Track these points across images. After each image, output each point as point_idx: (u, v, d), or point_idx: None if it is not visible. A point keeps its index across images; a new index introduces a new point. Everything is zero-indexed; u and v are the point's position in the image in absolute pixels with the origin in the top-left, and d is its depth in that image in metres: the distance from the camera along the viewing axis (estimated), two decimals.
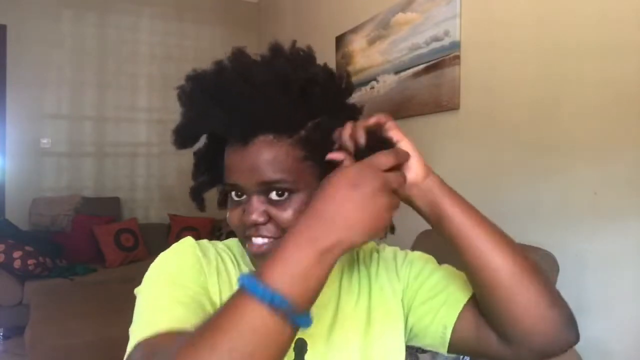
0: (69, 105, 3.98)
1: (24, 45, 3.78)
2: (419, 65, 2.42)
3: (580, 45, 1.65)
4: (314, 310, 0.44)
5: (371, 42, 2.83)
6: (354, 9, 3.03)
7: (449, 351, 0.64)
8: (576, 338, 0.56)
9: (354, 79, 2.99)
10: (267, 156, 0.56)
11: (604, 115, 1.58)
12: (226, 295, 0.61)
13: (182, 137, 0.60)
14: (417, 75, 2.44)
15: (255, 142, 0.56)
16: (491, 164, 2.02)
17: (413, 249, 0.73)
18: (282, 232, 0.57)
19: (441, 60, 2.27)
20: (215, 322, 0.40)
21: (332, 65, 3.18)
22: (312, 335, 0.63)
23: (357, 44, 2.97)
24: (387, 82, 2.67)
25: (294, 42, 0.63)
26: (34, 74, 3.83)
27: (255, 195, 0.57)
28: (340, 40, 3.15)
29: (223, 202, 0.64)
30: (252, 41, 4.64)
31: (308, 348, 0.63)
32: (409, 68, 2.50)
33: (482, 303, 0.60)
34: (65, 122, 3.98)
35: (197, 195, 0.66)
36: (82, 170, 4.04)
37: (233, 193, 0.60)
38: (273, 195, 0.57)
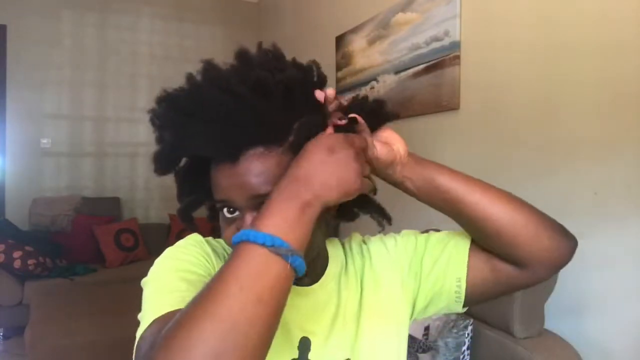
0: (69, 105, 3.98)
1: (24, 45, 3.78)
2: (419, 65, 2.42)
3: (581, 45, 1.65)
4: (316, 309, 0.46)
5: (371, 42, 2.83)
6: (354, 9, 3.03)
7: (464, 305, 0.68)
8: (575, 242, 0.64)
9: (354, 79, 3.00)
10: (258, 169, 0.53)
11: (604, 115, 1.58)
12: None
13: (164, 163, 0.57)
14: (417, 75, 2.44)
15: (245, 157, 0.53)
16: (491, 163, 2.02)
17: None
18: None
19: (441, 60, 2.26)
20: (224, 271, 0.44)
21: (332, 65, 3.19)
22: (315, 334, 0.63)
23: (357, 44, 2.97)
24: (387, 82, 2.67)
25: (260, 43, 0.61)
26: (34, 74, 3.83)
27: (249, 211, 0.55)
28: (340, 40, 3.15)
29: (213, 217, 0.62)
30: (252, 41, 4.61)
31: (312, 347, 0.63)
32: (409, 68, 2.50)
33: (488, 247, 0.65)
34: (65, 122, 3.98)
35: (186, 216, 0.65)
36: (82, 171, 4.04)
37: (225, 210, 0.57)
38: None
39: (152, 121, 0.56)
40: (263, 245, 0.44)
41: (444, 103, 2.25)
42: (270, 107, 0.53)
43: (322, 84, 0.60)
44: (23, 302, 3.04)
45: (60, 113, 3.95)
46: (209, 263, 0.61)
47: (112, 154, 4.13)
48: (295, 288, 0.58)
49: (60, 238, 3.55)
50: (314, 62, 0.61)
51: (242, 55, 0.59)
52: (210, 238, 0.68)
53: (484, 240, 0.65)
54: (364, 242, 0.74)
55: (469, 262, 0.66)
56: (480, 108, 2.08)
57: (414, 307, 0.70)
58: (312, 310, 0.64)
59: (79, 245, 3.56)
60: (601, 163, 1.58)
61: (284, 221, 0.46)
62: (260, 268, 0.43)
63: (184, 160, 0.60)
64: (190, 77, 0.57)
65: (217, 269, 0.59)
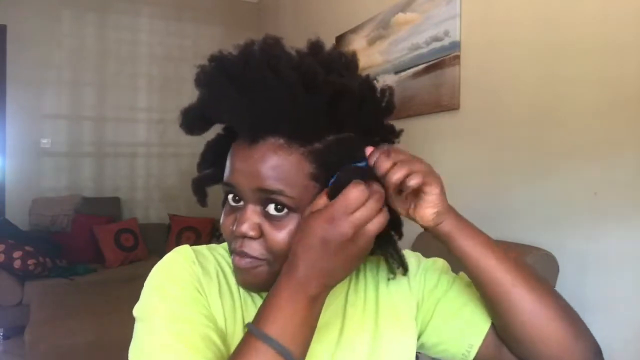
0: (68, 106, 3.98)
1: (24, 45, 3.78)
2: (419, 65, 2.42)
3: (581, 45, 1.65)
4: (318, 330, 0.49)
5: (371, 42, 2.83)
6: (354, 9, 3.03)
7: None
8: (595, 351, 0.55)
9: None
10: (274, 162, 0.50)
11: (604, 115, 1.58)
12: (230, 316, 0.58)
13: (190, 118, 0.55)
14: (417, 75, 2.44)
15: (264, 143, 0.51)
16: (491, 164, 2.02)
17: (413, 249, 0.72)
18: (270, 254, 0.53)
19: (441, 60, 2.26)
20: None
21: None
22: (317, 355, 0.58)
23: (357, 44, 2.97)
24: (387, 82, 2.67)
25: (335, 45, 0.60)
26: (34, 74, 3.83)
27: (252, 204, 0.52)
28: (340, 40, 3.15)
29: (224, 202, 0.59)
30: None
31: None
32: (409, 68, 2.50)
33: (503, 332, 0.58)
34: (65, 122, 3.98)
35: (198, 188, 0.60)
36: (82, 170, 4.04)
37: (230, 196, 0.55)
38: (271, 209, 0.52)
39: (197, 75, 0.53)
40: (271, 349, 0.45)
41: (444, 103, 2.25)
42: (309, 103, 0.49)
43: (389, 111, 0.57)
44: (23, 302, 3.04)
45: (60, 113, 3.95)
46: (200, 292, 0.56)
47: (112, 154, 4.13)
48: None
49: (60, 238, 3.55)
50: (390, 88, 0.57)
51: (313, 46, 0.56)
52: (202, 247, 0.63)
53: (501, 321, 0.57)
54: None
55: (485, 337, 0.60)
56: (480, 108, 2.08)
57: (420, 334, 0.66)
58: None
59: (79, 245, 3.56)
60: (601, 163, 1.58)
61: (294, 322, 0.47)
62: None
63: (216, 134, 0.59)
64: (247, 45, 0.53)
65: (207, 295, 0.56)
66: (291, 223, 0.52)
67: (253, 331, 0.46)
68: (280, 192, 0.51)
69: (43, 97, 3.89)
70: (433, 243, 0.58)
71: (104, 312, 2.51)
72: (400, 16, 2.57)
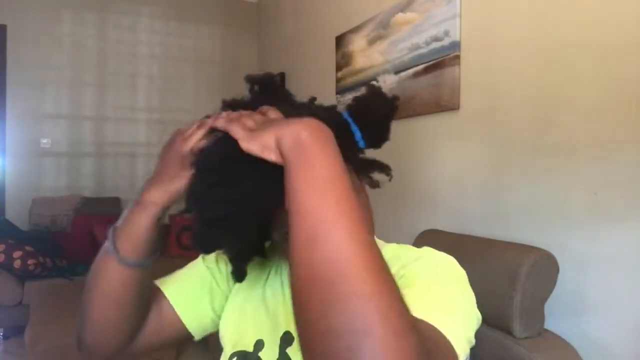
0: (68, 106, 3.98)
1: (24, 45, 3.78)
2: (419, 65, 2.42)
3: (581, 45, 1.65)
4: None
5: (371, 42, 2.83)
6: (354, 9, 3.03)
7: None
8: None
9: (354, 79, 3.00)
10: None
11: (604, 115, 1.58)
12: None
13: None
14: (417, 75, 2.44)
15: None
16: (491, 163, 2.02)
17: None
18: None
19: (441, 60, 2.26)
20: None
21: (332, 65, 3.18)
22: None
23: (357, 44, 2.97)
24: (387, 82, 2.67)
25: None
26: (34, 74, 3.83)
27: None
28: (340, 40, 3.15)
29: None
30: (251, 41, 4.64)
31: (294, 343, 0.63)
32: (409, 68, 2.50)
33: None
34: (65, 122, 3.98)
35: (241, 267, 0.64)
36: (82, 170, 4.04)
37: None
38: None
39: None
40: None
41: (444, 103, 2.25)
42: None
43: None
44: (23, 302, 3.04)
45: (60, 113, 3.95)
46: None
47: (112, 153, 4.13)
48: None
49: (60, 238, 3.55)
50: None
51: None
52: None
53: None
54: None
55: None
56: (480, 108, 2.08)
57: None
58: None
59: (79, 245, 3.56)
60: (601, 163, 1.59)
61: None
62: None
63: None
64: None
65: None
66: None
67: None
68: None
69: (43, 97, 3.89)
70: (433, 243, 0.57)
71: None
72: (400, 16, 2.57)
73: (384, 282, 0.38)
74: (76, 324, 0.66)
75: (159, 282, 0.75)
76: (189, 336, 0.74)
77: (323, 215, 0.40)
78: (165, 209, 0.61)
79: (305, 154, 0.43)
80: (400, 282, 0.50)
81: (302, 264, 0.39)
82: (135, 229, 0.60)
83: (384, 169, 0.65)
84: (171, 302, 0.72)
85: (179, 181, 0.58)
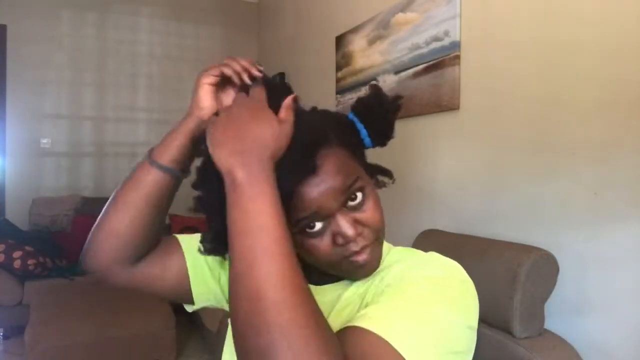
0: (68, 105, 3.98)
1: (24, 45, 3.78)
2: (419, 65, 2.42)
3: (581, 45, 1.65)
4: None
5: (371, 42, 2.83)
6: (354, 9, 3.03)
7: None
8: None
9: (354, 79, 3.00)
10: (334, 167, 0.55)
11: (604, 115, 1.58)
12: None
13: None
14: (417, 75, 2.44)
15: (320, 159, 0.54)
16: (491, 163, 2.02)
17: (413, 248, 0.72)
18: (373, 232, 0.58)
19: (441, 60, 2.26)
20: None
21: (332, 65, 3.18)
22: None
23: (357, 44, 2.97)
24: (387, 82, 2.67)
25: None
26: (34, 74, 3.83)
27: (339, 213, 0.56)
28: (340, 40, 3.15)
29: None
30: (251, 41, 4.64)
31: None
32: (409, 68, 2.50)
33: None
34: (65, 122, 3.98)
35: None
36: (82, 170, 4.05)
37: (306, 228, 0.56)
38: (349, 203, 0.57)
39: None
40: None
41: (444, 103, 2.25)
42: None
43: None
44: (23, 302, 3.04)
45: (60, 113, 3.95)
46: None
47: (112, 153, 4.13)
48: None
49: (60, 238, 3.55)
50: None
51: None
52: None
53: None
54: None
55: None
56: (480, 108, 2.08)
57: None
58: None
59: (79, 245, 3.49)
60: (601, 163, 1.58)
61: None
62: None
63: None
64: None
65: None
66: (368, 198, 0.58)
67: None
68: (351, 185, 0.56)
69: (43, 97, 3.89)
70: (433, 243, 0.57)
71: (104, 312, 2.51)
72: (400, 16, 2.57)
73: (298, 315, 0.42)
74: (90, 234, 0.74)
75: (177, 236, 0.75)
76: (187, 294, 0.73)
77: (252, 257, 0.45)
78: (202, 124, 0.65)
79: (241, 198, 0.47)
80: (391, 288, 0.56)
81: (230, 296, 0.46)
82: (180, 135, 0.65)
83: (387, 173, 0.66)
84: (184, 251, 0.72)
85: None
